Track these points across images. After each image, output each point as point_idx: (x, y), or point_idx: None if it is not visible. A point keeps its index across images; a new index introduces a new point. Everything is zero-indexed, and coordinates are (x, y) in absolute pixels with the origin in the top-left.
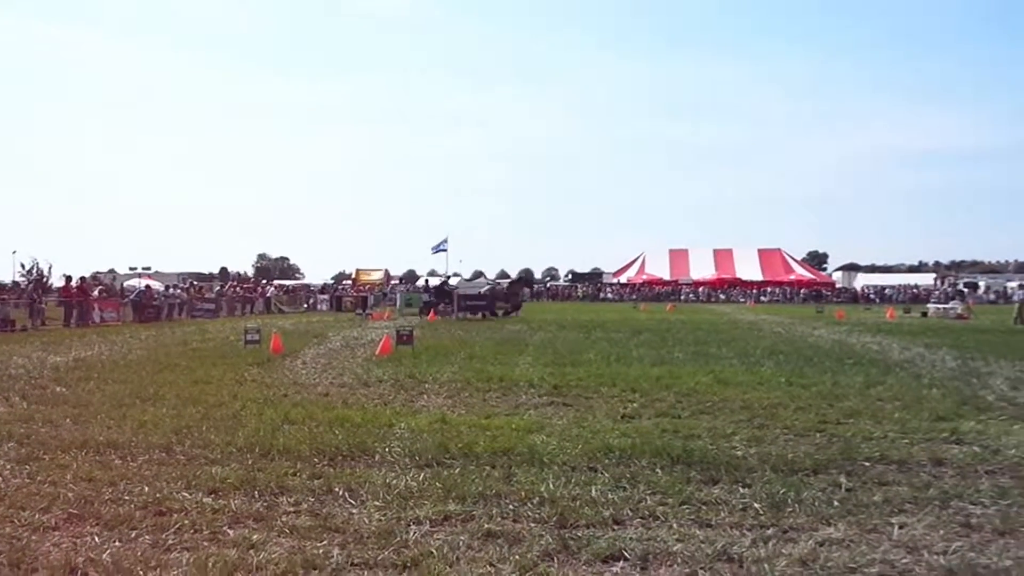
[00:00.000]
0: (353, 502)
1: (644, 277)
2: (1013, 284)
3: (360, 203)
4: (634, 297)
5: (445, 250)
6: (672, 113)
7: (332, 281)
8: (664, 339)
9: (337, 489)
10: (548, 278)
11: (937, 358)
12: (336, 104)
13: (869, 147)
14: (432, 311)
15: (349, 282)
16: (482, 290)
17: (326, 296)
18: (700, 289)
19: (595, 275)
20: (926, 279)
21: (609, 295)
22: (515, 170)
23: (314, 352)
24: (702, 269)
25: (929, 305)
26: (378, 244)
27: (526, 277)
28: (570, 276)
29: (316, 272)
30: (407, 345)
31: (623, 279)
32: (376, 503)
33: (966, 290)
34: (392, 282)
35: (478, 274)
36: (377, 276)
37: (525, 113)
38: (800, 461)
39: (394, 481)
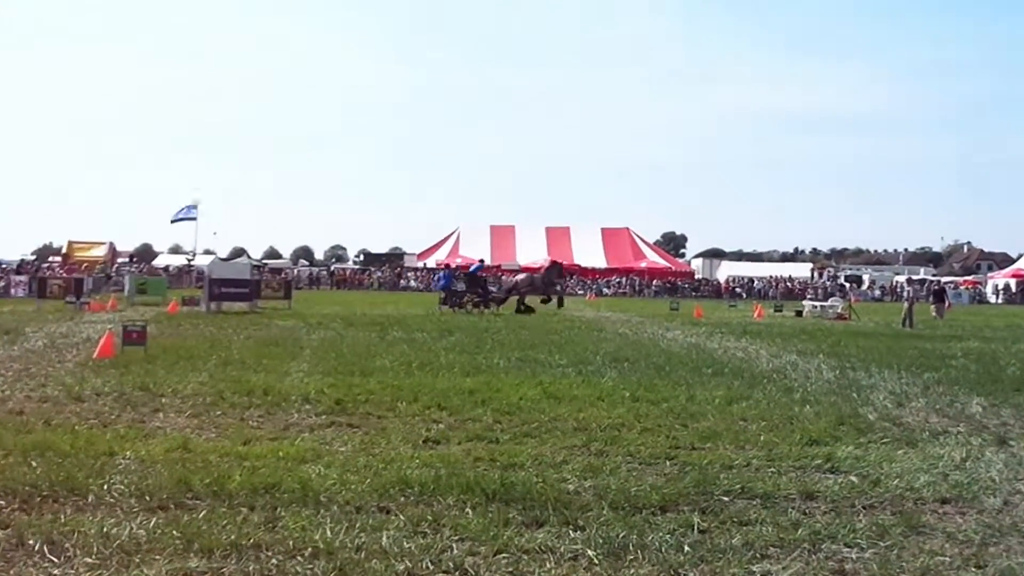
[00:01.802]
0: (55, 559)
1: (458, 260)
2: (902, 279)
3: (72, 152)
4: None
5: (193, 218)
6: (501, 58)
7: (33, 258)
8: (480, 341)
9: (33, 542)
10: (333, 259)
11: (812, 368)
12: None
13: (736, 108)
14: (460, 303)
15: (58, 259)
16: (517, 277)
17: (24, 278)
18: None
19: (394, 257)
20: (802, 270)
21: (412, 283)
22: (286, 118)
23: (3, 355)
24: (531, 251)
25: (805, 302)
26: (100, 210)
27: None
28: (362, 257)
29: (9, 245)
30: (138, 345)
31: (431, 262)
32: (88, 560)
33: (848, 285)
34: (119, 260)
35: (238, 252)
36: (98, 252)
37: (303, 46)
38: (645, 496)
39: (114, 530)
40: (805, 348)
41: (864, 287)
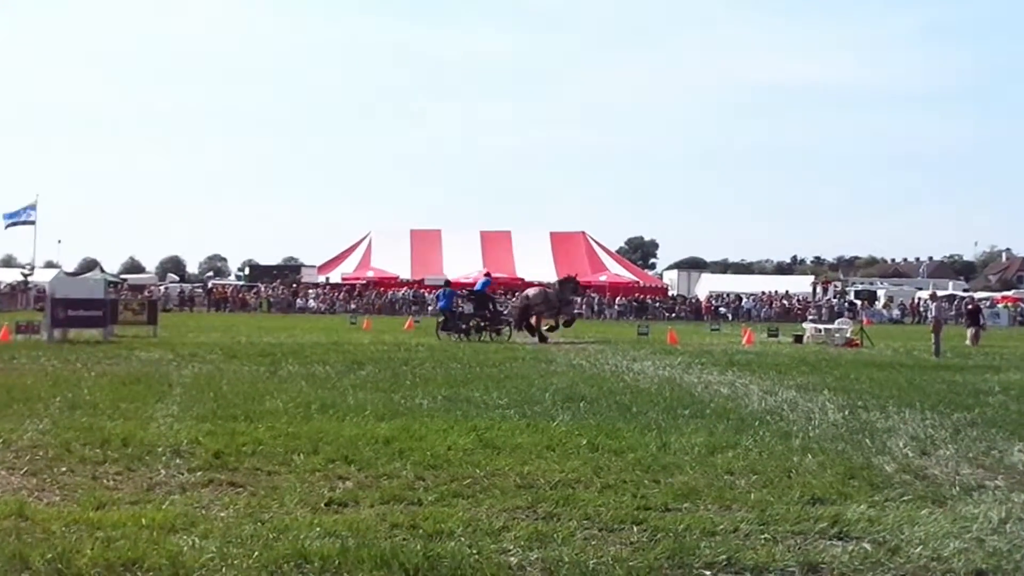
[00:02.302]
0: None
1: (370, 274)
2: (925, 294)
3: None
4: (352, 307)
5: (31, 222)
6: (416, 21)
7: None
8: (399, 376)
9: None
10: (210, 273)
11: (815, 407)
12: None
13: (720, 81)
14: (464, 328)
15: None
16: (529, 292)
17: None
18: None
19: (288, 270)
20: (801, 285)
21: (312, 302)
22: (151, 99)
23: None
24: (463, 262)
25: (806, 325)
26: None
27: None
28: (247, 271)
29: None
30: None
31: (335, 276)
32: None
33: (859, 303)
34: None
35: (89, 265)
36: None
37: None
38: (607, 571)
39: None
40: (806, 382)
41: (879, 305)
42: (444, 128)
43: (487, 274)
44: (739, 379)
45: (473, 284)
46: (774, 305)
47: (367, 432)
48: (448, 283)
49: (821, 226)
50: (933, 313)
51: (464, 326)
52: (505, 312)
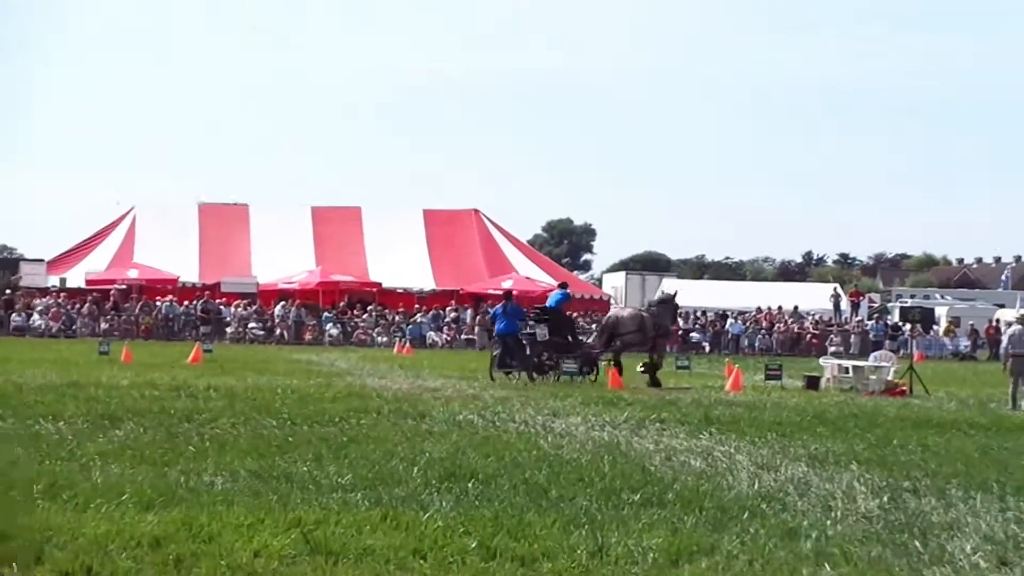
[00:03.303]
0: None
1: (132, 274)
2: (1010, 314)
3: None
4: (103, 327)
5: None
6: None
7: None
8: (177, 438)
9: None
10: None
11: (837, 491)
12: None
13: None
14: (539, 364)
15: None
16: (620, 314)
17: None
18: (287, 304)
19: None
20: (818, 297)
21: (37, 318)
22: None
23: None
24: (287, 255)
25: (825, 360)
26: None
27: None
28: None
29: None
30: None
31: (75, 278)
32: None
33: (908, 326)
34: None
35: None
36: None
37: None
38: None
39: None
40: (824, 451)
41: (939, 330)
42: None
43: (562, 285)
44: (719, 446)
45: (542, 298)
46: (776, 329)
47: (125, 529)
48: (510, 296)
49: (850, 208)
50: (1005, 344)
51: (536, 360)
52: (588, 340)
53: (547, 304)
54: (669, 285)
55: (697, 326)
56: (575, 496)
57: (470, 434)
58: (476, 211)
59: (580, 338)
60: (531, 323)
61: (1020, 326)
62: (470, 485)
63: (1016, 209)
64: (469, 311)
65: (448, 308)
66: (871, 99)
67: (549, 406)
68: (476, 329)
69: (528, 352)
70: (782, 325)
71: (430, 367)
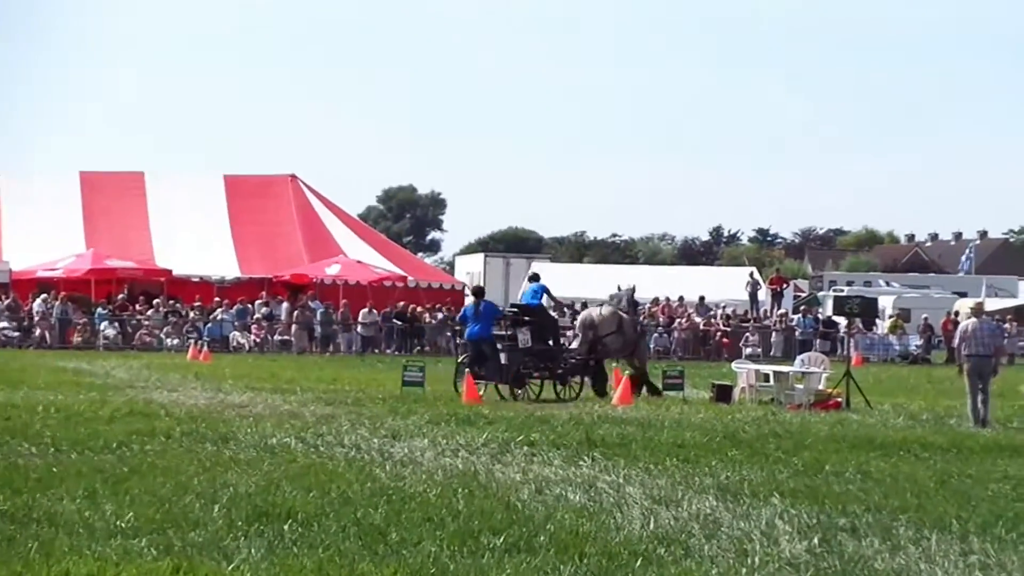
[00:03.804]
0: None
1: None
2: (966, 306)
3: None
4: None
5: None
6: None
7: None
8: None
9: None
10: None
11: (754, 530)
12: None
13: None
14: (520, 376)
15: None
16: (594, 313)
17: None
18: (48, 298)
19: None
20: (729, 284)
21: None
22: None
23: None
24: (48, 241)
25: (739, 365)
26: None
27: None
28: None
29: None
30: None
31: None
32: None
33: (842, 320)
34: None
35: None
36: None
37: None
38: None
39: None
40: (738, 480)
41: (882, 326)
42: None
43: (535, 276)
44: (605, 475)
45: (379, 288)
46: (677, 325)
47: None
48: (482, 292)
49: (770, 174)
50: (957, 342)
51: (519, 369)
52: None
53: (523, 301)
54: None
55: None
56: (421, 540)
57: (286, 462)
58: (293, 177)
59: (564, 344)
60: (505, 324)
61: (976, 319)
62: (287, 527)
63: (982, 172)
64: (284, 305)
65: (257, 301)
66: (789, 34)
67: (387, 426)
68: (294, 328)
69: (506, 362)
70: (684, 320)
71: (234, 377)
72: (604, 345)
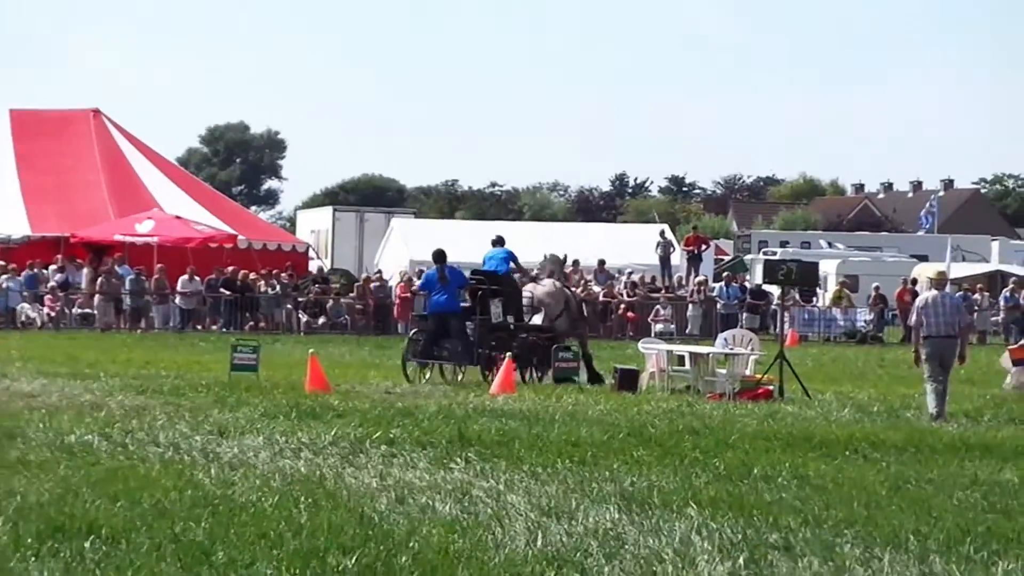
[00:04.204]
0: None
1: None
2: (926, 271)
3: None
4: None
5: None
6: None
7: None
8: None
9: None
10: None
11: (667, 546)
12: None
13: None
14: (489, 354)
15: None
16: (536, 289)
17: None
18: None
19: None
20: (632, 243)
21: None
22: None
23: None
24: None
25: (646, 345)
26: None
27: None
28: None
29: None
30: None
31: None
32: None
33: (774, 290)
34: None
35: None
36: None
37: None
38: None
39: None
40: (646, 487)
41: (824, 297)
42: None
43: (499, 240)
44: (481, 480)
45: (202, 249)
46: (564, 291)
47: None
48: (443, 256)
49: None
50: (914, 319)
51: (486, 351)
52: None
53: (489, 268)
54: (399, 230)
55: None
56: (254, 561)
57: (88, 465)
58: (96, 112)
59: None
60: (467, 295)
61: (937, 291)
62: (88, 545)
63: (948, 108)
64: (85, 271)
65: (52, 266)
66: None
67: (213, 420)
68: (97, 299)
69: (473, 339)
70: (580, 289)
71: (23, 359)
72: (552, 327)
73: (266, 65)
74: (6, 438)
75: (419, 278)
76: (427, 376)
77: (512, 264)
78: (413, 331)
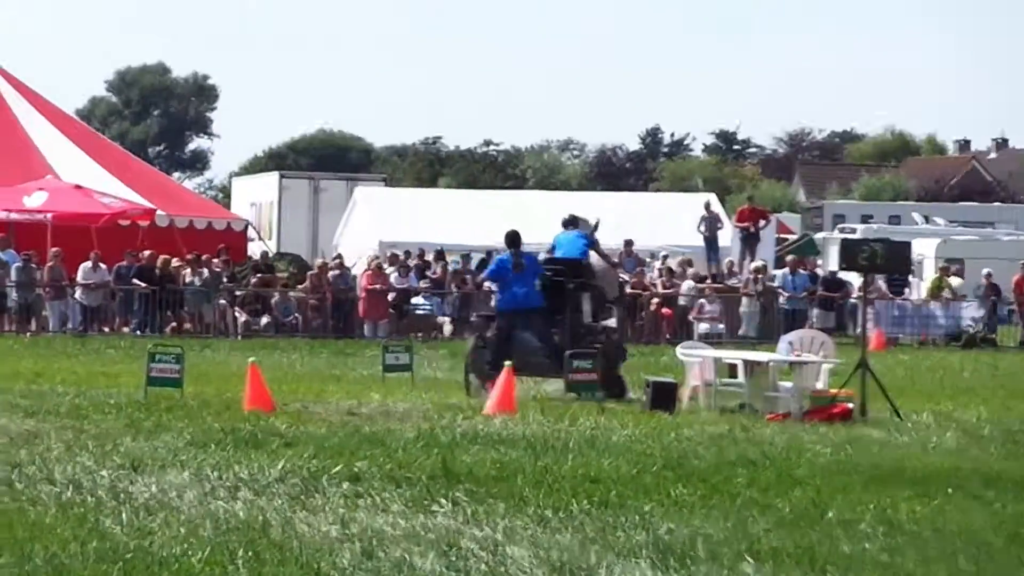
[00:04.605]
0: None
1: None
2: None
3: None
4: None
5: None
6: None
7: None
8: None
9: None
10: None
11: None
12: None
13: None
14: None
15: None
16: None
17: None
18: None
19: None
20: (669, 217)
21: None
22: None
23: None
24: None
25: (687, 351)
26: None
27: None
28: None
29: None
30: None
31: None
32: None
33: (855, 278)
34: None
35: None
36: None
37: None
38: None
39: None
40: (689, 535)
41: (920, 285)
42: None
43: (572, 220)
44: (473, 527)
45: (111, 227)
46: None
47: None
48: (518, 239)
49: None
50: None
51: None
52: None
53: (562, 254)
54: (377, 201)
55: (430, 274)
56: None
57: None
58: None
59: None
60: (543, 286)
61: None
62: None
63: None
64: None
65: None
66: None
67: (125, 449)
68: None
69: (558, 343)
70: (604, 273)
71: None
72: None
73: None
74: None
75: (394, 265)
76: (489, 388)
77: (590, 246)
78: (475, 335)
